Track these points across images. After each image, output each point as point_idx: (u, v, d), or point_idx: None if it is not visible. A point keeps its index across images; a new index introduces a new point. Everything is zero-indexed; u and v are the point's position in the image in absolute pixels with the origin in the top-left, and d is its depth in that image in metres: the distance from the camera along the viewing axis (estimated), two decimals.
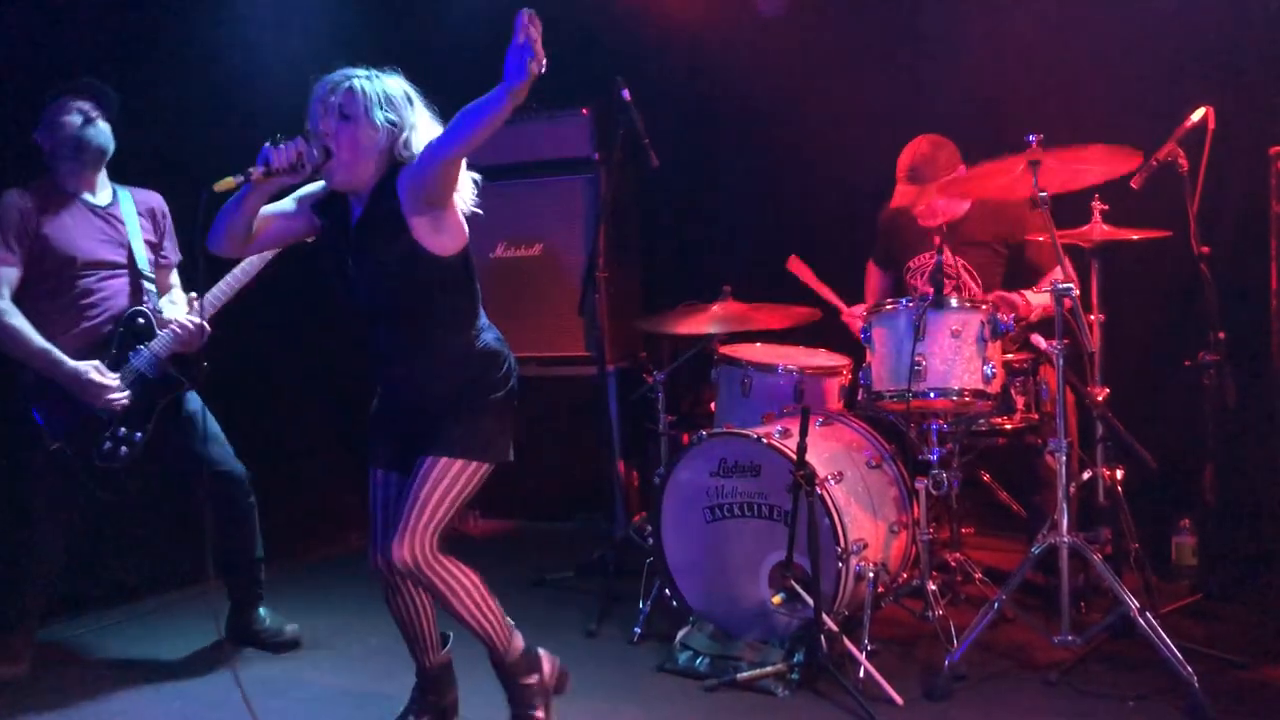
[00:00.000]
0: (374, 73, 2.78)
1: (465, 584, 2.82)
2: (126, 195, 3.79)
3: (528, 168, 5.29)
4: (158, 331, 3.66)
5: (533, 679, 2.94)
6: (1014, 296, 3.80)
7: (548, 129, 5.26)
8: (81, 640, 4.02)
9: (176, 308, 3.80)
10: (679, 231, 5.70)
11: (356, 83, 2.74)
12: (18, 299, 3.53)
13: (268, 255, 3.61)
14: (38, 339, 3.48)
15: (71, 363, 3.49)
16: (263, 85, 4.65)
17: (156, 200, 3.88)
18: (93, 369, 3.50)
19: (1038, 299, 3.84)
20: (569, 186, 5.27)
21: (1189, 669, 3.01)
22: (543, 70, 2.43)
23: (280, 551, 4.07)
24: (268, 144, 2.68)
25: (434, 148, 2.67)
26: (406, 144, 2.76)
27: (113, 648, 3.95)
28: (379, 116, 2.73)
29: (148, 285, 3.74)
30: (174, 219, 3.91)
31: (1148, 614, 3.17)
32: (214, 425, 3.80)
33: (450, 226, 2.79)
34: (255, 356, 4.88)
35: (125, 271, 3.70)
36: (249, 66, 4.96)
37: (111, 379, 3.53)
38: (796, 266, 4.30)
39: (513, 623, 2.94)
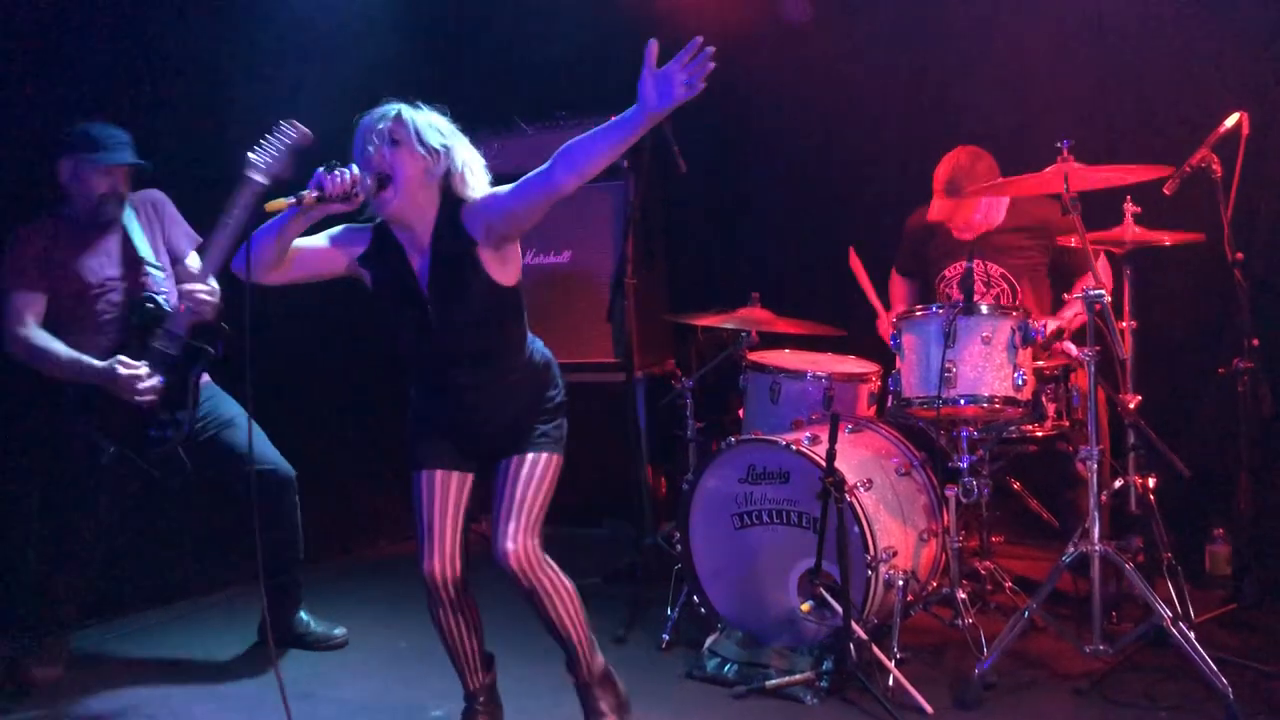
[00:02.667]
0: (418, 104, 2.80)
1: (568, 588, 2.86)
2: (128, 206, 3.78)
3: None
4: (167, 310, 3.65)
5: (608, 698, 2.96)
6: (1037, 325, 3.71)
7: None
8: (117, 643, 4.07)
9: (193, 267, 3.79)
10: (707, 239, 5.70)
11: (405, 112, 2.75)
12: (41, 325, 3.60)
13: (247, 200, 3.43)
14: (65, 350, 3.55)
15: (98, 363, 3.54)
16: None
17: (153, 197, 3.86)
18: (117, 363, 3.55)
19: (1055, 323, 3.81)
20: (598, 194, 5.28)
21: (1223, 680, 2.98)
22: (694, 93, 2.49)
23: (312, 555, 4.10)
24: (321, 169, 2.66)
25: (545, 181, 2.63)
26: (463, 178, 2.77)
27: (148, 649, 3.99)
28: (433, 141, 2.74)
29: (154, 273, 3.73)
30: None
31: (1181, 624, 3.14)
32: (257, 428, 3.81)
33: (515, 255, 2.83)
34: (289, 360, 4.92)
35: (119, 278, 3.71)
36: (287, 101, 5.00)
37: (139, 366, 3.57)
38: (854, 262, 4.29)
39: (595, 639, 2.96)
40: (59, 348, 3.55)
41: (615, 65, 5.57)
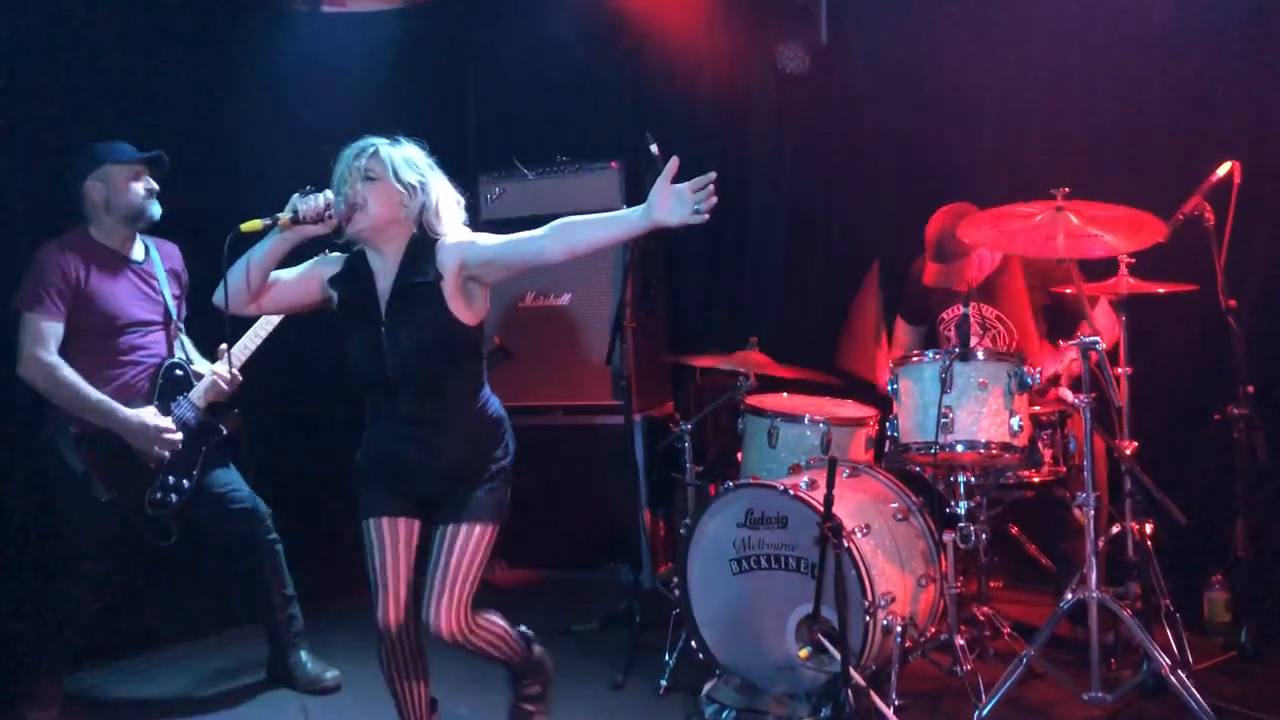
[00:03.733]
0: (398, 140, 2.90)
1: (498, 632, 2.98)
2: (153, 247, 3.87)
3: (557, 219, 5.34)
4: (194, 383, 3.76)
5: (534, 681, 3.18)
6: (1033, 372, 3.67)
7: (577, 181, 5.33)
8: (112, 686, 4.04)
9: (193, 355, 3.90)
10: (706, 283, 5.74)
11: (382, 149, 2.86)
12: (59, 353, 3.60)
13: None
14: (93, 390, 3.55)
15: (128, 411, 3.57)
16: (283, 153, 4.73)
17: (178, 257, 3.95)
18: (151, 413, 3.60)
19: (1053, 367, 3.84)
20: None
21: None
22: (701, 221, 2.58)
23: (315, 597, 4.09)
24: (296, 194, 2.78)
25: (537, 248, 2.76)
26: (436, 214, 2.87)
27: (143, 692, 3.97)
28: (408, 177, 2.85)
29: (180, 337, 3.85)
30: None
31: (1180, 671, 3.13)
32: (232, 467, 3.88)
33: (482, 299, 2.90)
34: (288, 399, 4.94)
35: (160, 326, 3.79)
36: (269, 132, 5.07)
37: (168, 422, 3.62)
38: (873, 277, 4.34)
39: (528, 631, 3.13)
40: (86, 386, 3.54)
41: (614, 112, 5.73)
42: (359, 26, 5.47)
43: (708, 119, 5.61)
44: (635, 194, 5.12)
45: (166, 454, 3.63)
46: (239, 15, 5.03)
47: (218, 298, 2.89)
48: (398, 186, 2.83)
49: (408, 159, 2.87)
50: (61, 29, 4.34)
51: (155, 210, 3.75)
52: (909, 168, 5.01)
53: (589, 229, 2.74)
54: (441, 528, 2.88)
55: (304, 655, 3.91)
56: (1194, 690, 3.06)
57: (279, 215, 2.77)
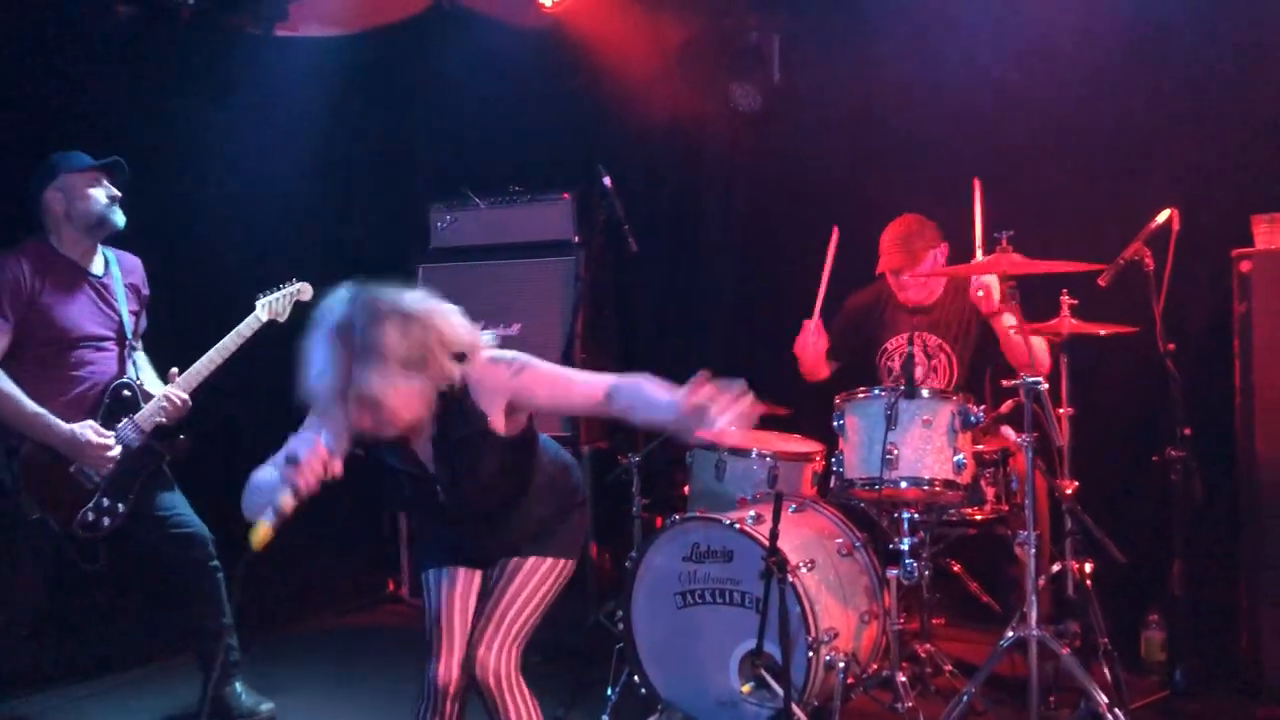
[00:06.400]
0: (370, 318, 2.35)
1: (534, 708, 2.64)
2: (114, 260, 3.81)
3: (509, 249, 5.34)
4: (142, 404, 3.68)
5: None
6: (976, 410, 3.65)
7: (530, 211, 5.32)
8: (37, 716, 3.92)
9: (146, 372, 3.83)
10: (657, 317, 5.76)
11: (368, 354, 2.31)
12: (2, 363, 3.52)
13: (244, 333, 3.77)
14: (31, 404, 3.47)
15: (67, 426, 3.49)
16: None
17: (139, 271, 3.91)
18: (89, 429, 3.51)
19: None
20: (549, 268, 5.32)
21: None
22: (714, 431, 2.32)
23: (255, 626, 4.01)
24: (285, 461, 2.33)
25: (595, 400, 2.49)
26: (444, 373, 2.43)
27: None
28: (415, 358, 2.37)
29: (133, 355, 3.77)
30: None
31: (1116, 710, 3.17)
32: (178, 490, 3.81)
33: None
34: (228, 423, 4.88)
35: (114, 342, 3.72)
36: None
37: (109, 438, 3.53)
38: (832, 244, 4.30)
39: None
40: (25, 399, 3.45)
41: (568, 144, 5.74)
42: (312, 51, 5.46)
43: (661, 154, 5.65)
44: (586, 226, 5.14)
45: (102, 472, 3.54)
46: (191, 37, 5.00)
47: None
48: (407, 381, 2.34)
49: (401, 333, 2.33)
50: (10, 49, 4.28)
51: (118, 218, 3.70)
52: (858, 206, 5.05)
53: (649, 400, 2.43)
54: (504, 559, 2.65)
55: (239, 687, 3.83)
56: None
57: (278, 506, 2.31)
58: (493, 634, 2.57)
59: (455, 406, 2.49)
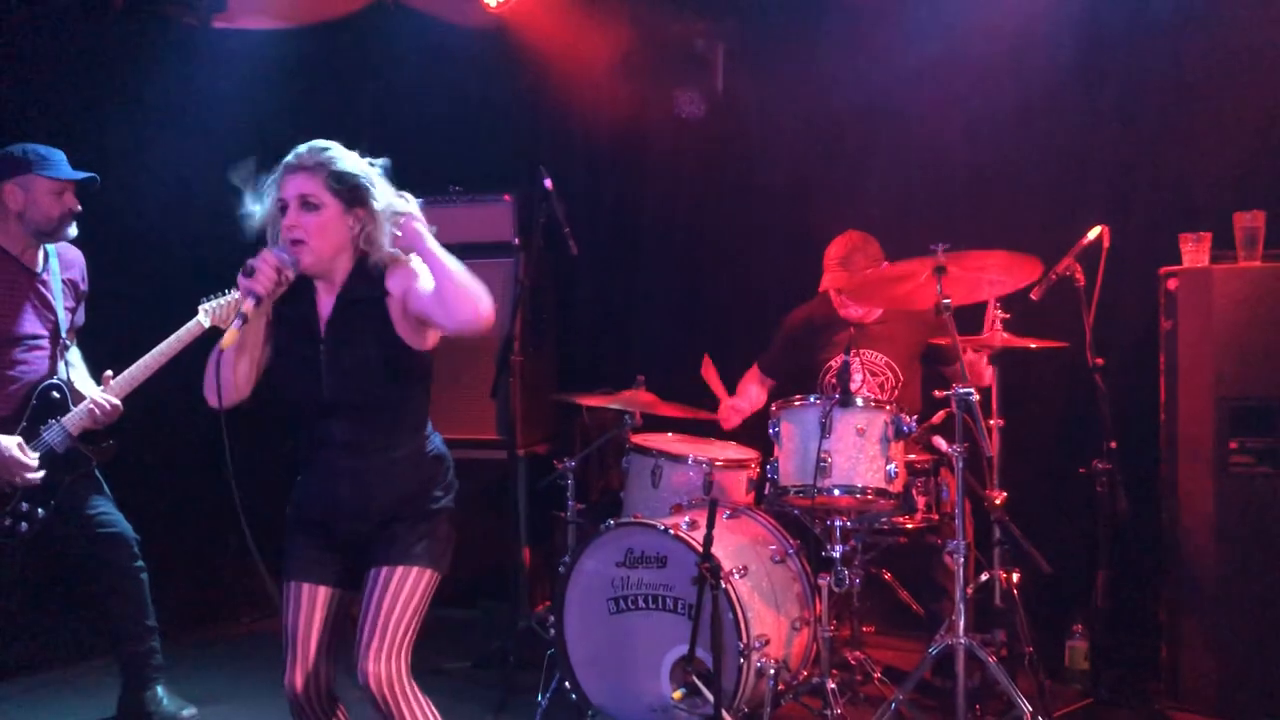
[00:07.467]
0: (337, 156, 2.67)
1: (430, 712, 2.67)
2: (54, 256, 3.70)
3: (448, 249, 5.26)
4: (71, 406, 3.58)
5: None
6: (909, 420, 3.72)
7: (470, 212, 5.28)
8: None
9: (78, 370, 3.72)
10: (596, 320, 5.75)
11: (322, 174, 2.63)
12: None
13: (184, 338, 3.63)
14: None
15: None
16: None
17: (78, 266, 3.79)
18: (15, 445, 3.41)
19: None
20: (488, 269, 5.15)
21: None
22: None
23: (172, 629, 3.92)
24: (241, 274, 2.55)
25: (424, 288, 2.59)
26: (369, 239, 2.65)
27: None
28: (356, 203, 2.64)
29: (65, 354, 3.67)
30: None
31: (1040, 717, 3.21)
32: (105, 490, 3.72)
33: (433, 332, 2.72)
34: (145, 423, 4.77)
35: (47, 340, 3.62)
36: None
37: (32, 458, 3.43)
38: (707, 369, 4.40)
39: None
40: None
41: (510, 145, 5.71)
42: (250, 44, 5.37)
43: (604, 157, 5.64)
44: (525, 229, 5.11)
45: (16, 483, 3.44)
46: (127, 28, 4.89)
47: (211, 402, 2.61)
48: (341, 215, 2.63)
49: (353, 176, 2.63)
50: None
51: (71, 232, 3.62)
52: (800, 213, 5.11)
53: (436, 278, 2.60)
54: (375, 570, 2.65)
55: (160, 691, 3.74)
56: None
57: (243, 310, 2.53)
58: (378, 644, 2.60)
59: (367, 273, 2.67)
